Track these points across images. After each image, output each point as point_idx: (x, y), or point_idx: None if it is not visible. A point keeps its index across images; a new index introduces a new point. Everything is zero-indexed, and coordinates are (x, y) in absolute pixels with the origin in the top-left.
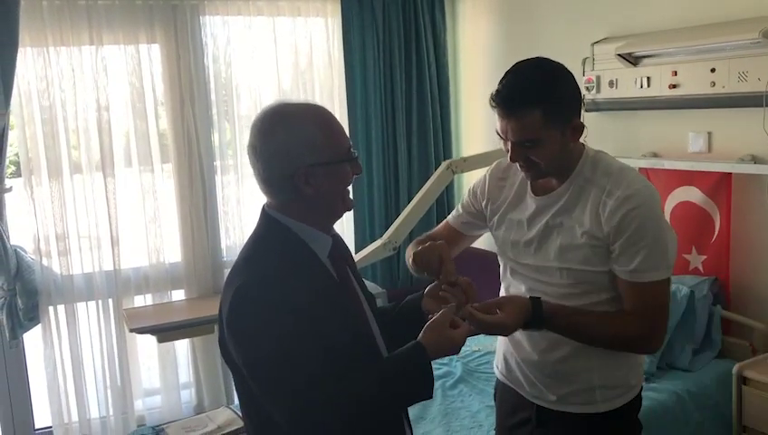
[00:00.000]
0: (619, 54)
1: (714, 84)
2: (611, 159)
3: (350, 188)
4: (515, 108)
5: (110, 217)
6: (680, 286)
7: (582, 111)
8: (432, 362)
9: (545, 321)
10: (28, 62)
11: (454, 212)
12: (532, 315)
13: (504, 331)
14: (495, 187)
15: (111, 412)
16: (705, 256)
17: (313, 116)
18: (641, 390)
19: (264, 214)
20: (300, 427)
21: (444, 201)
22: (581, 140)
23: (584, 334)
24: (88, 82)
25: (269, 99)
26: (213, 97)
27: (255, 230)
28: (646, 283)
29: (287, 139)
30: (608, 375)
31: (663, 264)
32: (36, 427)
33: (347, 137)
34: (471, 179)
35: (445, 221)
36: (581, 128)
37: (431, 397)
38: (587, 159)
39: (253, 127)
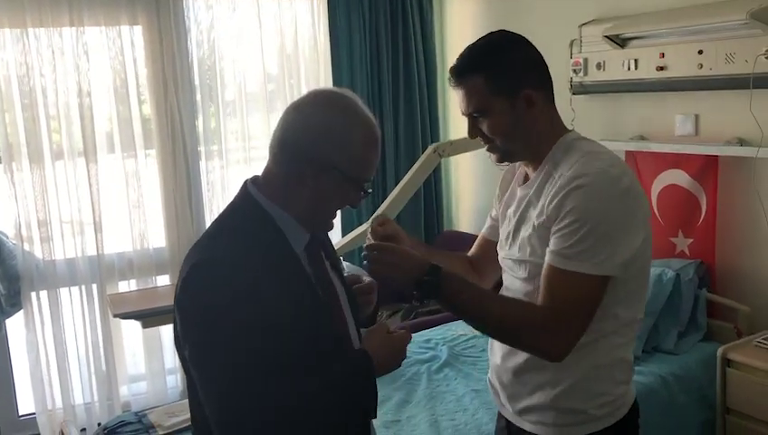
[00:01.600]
0: (606, 36)
1: (701, 66)
2: (593, 144)
3: (338, 213)
4: (461, 77)
5: (92, 203)
6: (666, 270)
7: (543, 87)
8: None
9: (441, 286)
10: (8, 47)
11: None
12: (427, 273)
13: (394, 270)
14: (505, 183)
15: (96, 398)
16: (691, 240)
17: (369, 127)
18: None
19: (245, 190)
20: (223, 427)
21: (431, 185)
22: (569, 125)
23: (485, 317)
24: (69, 66)
25: (254, 83)
26: (197, 81)
27: (230, 205)
28: (567, 271)
29: (335, 124)
30: (566, 396)
31: (597, 258)
32: (20, 413)
33: (375, 170)
34: (458, 163)
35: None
36: (533, 101)
37: (373, 414)
38: (563, 143)
39: (312, 93)
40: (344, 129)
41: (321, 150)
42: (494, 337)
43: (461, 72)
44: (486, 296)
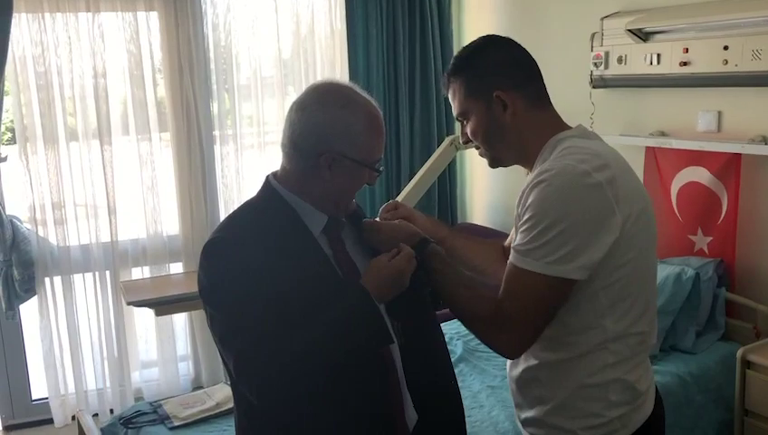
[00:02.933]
0: (629, 30)
1: (726, 62)
2: (583, 141)
3: (354, 195)
4: (448, 81)
5: (106, 186)
6: (686, 268)
7: (516, 85)
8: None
9: (423, 261)
10: (23, 28)
11: None
12: (414, 247)
13: (385, 245)
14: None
15: (108, 384)
16: (710, 238)
17: (369, 114)
18: None
19: (267, 182)
20: (248, 389)
21: (445, 178)
22: (588, 119)
23: (453, 304)
24: (84, 48)
25: (269, 68)
26: (212, 66)
27: (253, 196)
28: (520, 268)
29: (336, 119)
30: (556, 413)
31: (550, 257)
32: (33, 398)
33: (383, 149)
34: (472, 155)
35: None
36: (506, 103)
37: (389, 341)
38: (552, 142)
39: (312, 89)
40: (348, 120)
41: (331, 143)
42: (456, 317)
43: (448, 77)
44: (459, 284)
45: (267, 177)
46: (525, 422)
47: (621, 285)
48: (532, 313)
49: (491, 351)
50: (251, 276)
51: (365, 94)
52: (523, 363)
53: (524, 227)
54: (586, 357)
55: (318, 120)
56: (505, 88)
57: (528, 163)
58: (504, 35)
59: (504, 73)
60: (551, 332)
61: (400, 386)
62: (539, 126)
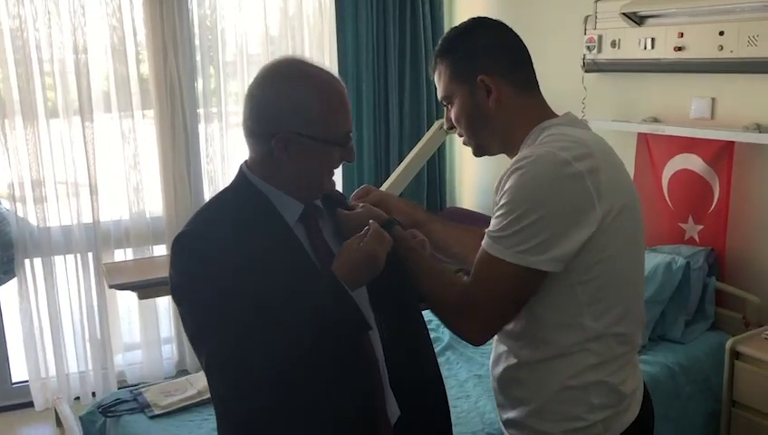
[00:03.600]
0: (623, 13)
1: (721, 48)
2: (567, 128)
3: (334, 172)
4: (434, 64)
5: (88, 165)
6: (676, 257)
7: (502, 72)
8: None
9: (393, 236)
10: None
11: None
12: (383, 224)
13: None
14: None
15: (90, 367)
16: (701, 226)
17: (320, 85)
18: None
19: (240, 171)
20: (222, 386)
21: (434, 162)
22: (580, 104)
23: (420, 290)
24: (65, 22)
25: (256, 46)
26: (197, 42)
27: (228, 186)
28: (490, 255)
29: (282, 95)
30: (538, 415)
31: (522, 246)
32: (13, 381)
33: (348, 122)
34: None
35: None
36: (490, 87)
37: (365, 328)
38: (537, 130)
39: (261, 69)
40: (295, 94)
41: (281, 122)
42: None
43: (434, 59)
44: (425, 269)
45: (241, 165)
46: (507, 423)
47: (600, 282)
48: (500, 301)
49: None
50: (221, 271)
51: (320, 65)
52: (504, 362)
53: (499, 214)
54: (566, 358)
55: (266, 99)
56: (490, 72)
57: (513, 152)
58: (495, 18)
59: (490, 57)
60: (529, 328)
61: (382, 381)
62: (524, 113)
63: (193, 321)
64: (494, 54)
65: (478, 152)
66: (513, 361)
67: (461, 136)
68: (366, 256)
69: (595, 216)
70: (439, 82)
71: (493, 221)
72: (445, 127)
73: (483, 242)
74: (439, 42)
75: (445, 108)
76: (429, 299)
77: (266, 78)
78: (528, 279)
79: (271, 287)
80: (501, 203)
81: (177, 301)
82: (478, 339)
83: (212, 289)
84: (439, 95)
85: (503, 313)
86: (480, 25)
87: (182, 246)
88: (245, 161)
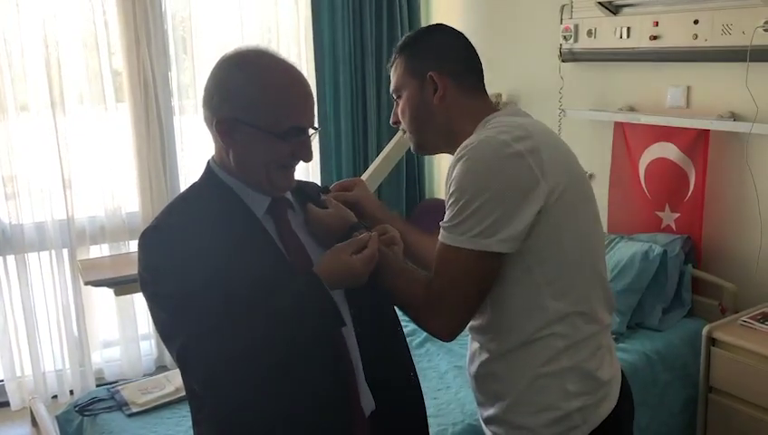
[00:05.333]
0: (599, 2)
1: (696, 37)
2: (513, 116)
3: (290, 168)
4: (392, 60)
5: (61, 160)
6: (653, 246)
7: (450, 74)
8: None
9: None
10: None
11: None
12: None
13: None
14: None
15: (68, 365)
16: (678, 214)
17: (269, 73)
18: None
19: (207, 166)
20: (194, 382)
21: (414, 155)
22: (557, 93)
23: (387, 289)
24: (35, 13)
25: (230, 37)
26: (170, 34)
27: (196, 181)
28: (447, 245)
29: (227, 80)
30: (515, 409)
31: (474, 230)
32: None
33: (301, 117)
34: None
35: None
36: (437, 84)
37: (340, 324)
38: (481, 125)
39: (217, 62)
40: (239, 80)
41: (223, 108)
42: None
43: (394, 53)
44: (390, 269)
45: (208, 160)
46: (487, 421)
47: (556, 261)
48: (462, 290)
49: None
50: (189, 265)
51: (279, 56)
52: (477, 359)
53: (449, 204)
54: (535, 344)
55: (214, 85)
56: (441, 72)
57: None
58: (473, 10)
59: (443, 58)
60: (495, 319)
61: (355, 374)
62: (468, 113)
63: (162, 316)
64: (448, 57)
65: (418, 149)
66: (485, 356)
67: (404, 132)
68: (351, 275)
69: (540, 192)
70: (394, 75)
71: (446, 214)
72: (391, 121)
73: (439, 235)
74: (398, 44)
75: (394, 102)
76: (396, 297)
77: (217, 64)
78: (485, 264)
79: (241, 280)
80: (449, 193)
81: (146, 296)
82: (447, 333)
83: (180, 283)
84: (391, 88)
85: (467, 302)
86: (438, 29)
87: (149, 241)
88: (213, 156)
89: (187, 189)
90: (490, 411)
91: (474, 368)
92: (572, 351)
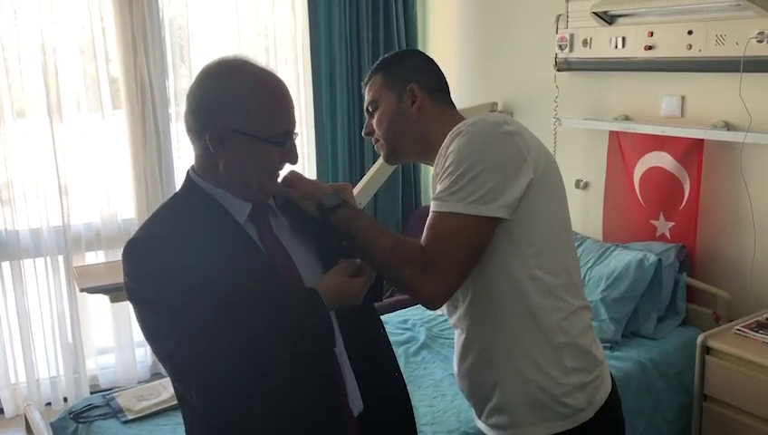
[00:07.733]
0: (594, 12)
1: (690, 47)
2: (484, 115)
3: (277, 174)
4: (367, 79)
5: (57, 167)
6: (648, 254)
7: (426, 90)
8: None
9: (338, 207)
10: None
11: None
12: (327, 194)
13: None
14: None
15: (62, 372)
16: (672, 223)
17: (256, 82)
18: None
19: (187, 176)
20: (185, 390)
21: (410, 163)
22: (553, 102)
23: (376, 247)
24: (32, 20)
25: (228, 44)
26: (168, 40)
27: (178, 190)
28: (442, 213)
29: (217, 91)
30: (516, 390)
31: (471, 197)
32: None
33: (290, 122)
34: None
35: None
36: (416, 95)
37: (332, 345)
38: (453, 133)
39: (201, 71)
40: (230, 89)
41: (215, 118)
42: (380, 272)
43: (369, 73)
44: (380, 228)
45: (188, 170)
46: (489, 413)
47: (540, 234)
48: (458, 254)
49: (454, 337)
50: (174, 273)
51: (262, 65)
52: (470, 351)
53: (445, 175)
54: (527, 321)
55: (202, 95)
56: (419, 85)
57: (429, 157)
58: (469, 17)
59: (421, 75)
60: (485, 296)
61: (343, 375)
62: (443, 121)
63: (150, 323)
64: (424, 74)
65: (390, 158)
66: (477, 346)
67: (376, 142)
68: (349, 296)
69: (529, 166)
70: (369, 91)
71: (438, 186)
72: (363, 133)
73: (431, 207)
74: (374, 65)
75: (368, 116)
76: (391, 263)
77: (205, 75)
78: (481, 228)
79: (229, 286)
80: (446, 165)
81: (134, 305)
82: (439, 295)
83: (165, 291)
84: (366, 102)
85: (461, 268)
86: (412, 53)
87: (132, 251)
88: (192, 165)
89: (168, 200)
90: (490, 404)
91: (467, 363)
92: (566, 325)
